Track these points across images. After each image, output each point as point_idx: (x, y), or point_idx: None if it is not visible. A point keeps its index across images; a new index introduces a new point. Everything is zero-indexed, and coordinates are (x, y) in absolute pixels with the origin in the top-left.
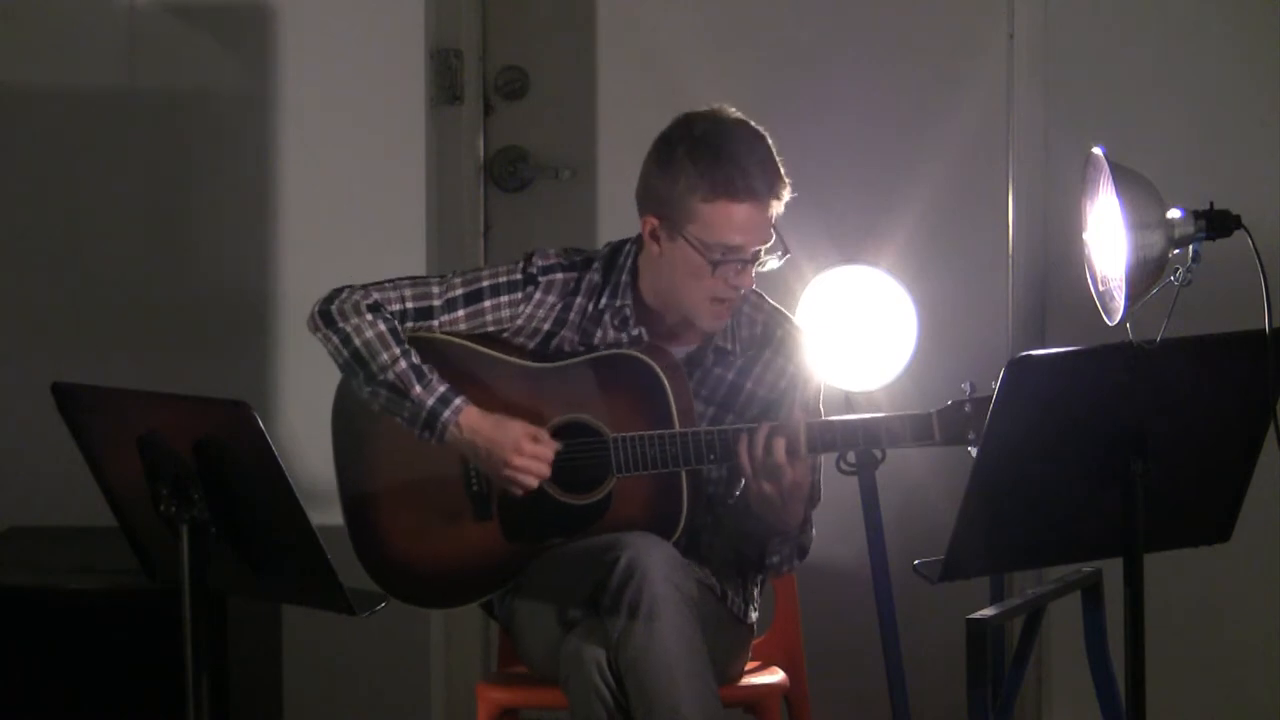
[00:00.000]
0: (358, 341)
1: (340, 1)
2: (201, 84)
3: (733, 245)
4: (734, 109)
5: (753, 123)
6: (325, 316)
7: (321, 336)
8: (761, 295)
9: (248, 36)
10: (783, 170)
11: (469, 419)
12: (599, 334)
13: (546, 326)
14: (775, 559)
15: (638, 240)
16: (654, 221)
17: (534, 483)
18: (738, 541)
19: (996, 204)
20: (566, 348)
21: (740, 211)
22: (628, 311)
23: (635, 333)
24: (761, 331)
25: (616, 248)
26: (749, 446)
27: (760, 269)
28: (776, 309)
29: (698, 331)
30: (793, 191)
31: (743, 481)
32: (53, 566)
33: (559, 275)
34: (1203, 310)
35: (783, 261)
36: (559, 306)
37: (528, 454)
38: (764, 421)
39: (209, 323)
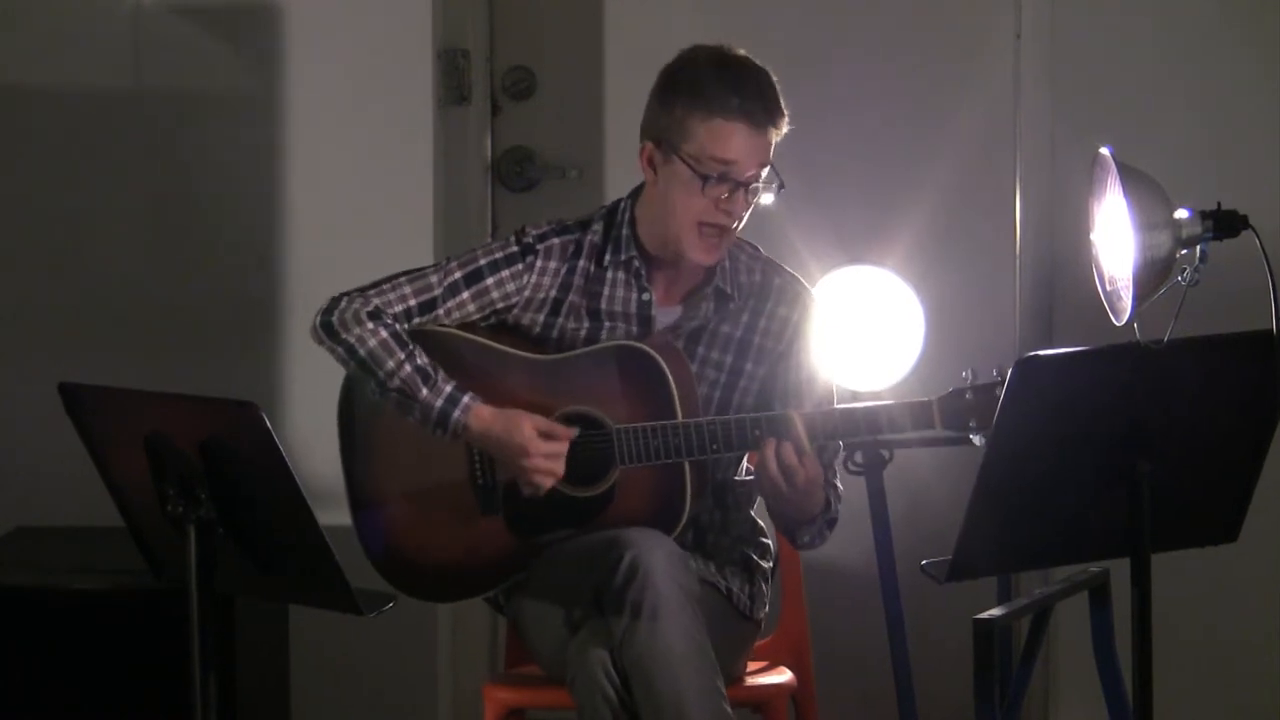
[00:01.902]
0: (362, 352)
1: (347, 1)
2: (207, 84)
3: (725, 160)
4: (740, 48)
5: (757, 61)
6: (327, 328)
7: (327, 348)
8: (757, 247)
9: (254, 36)
10: (783, 103)
11: (480, 418)
12: (606, 292)
13: (554, 294)
14: (806, 539)
15: (633, 193)
16: (650, 146)
17: (548, 483)
18: (776, 519)
19: (1003, 204)
20: (574, 317)
21: (736, 131)
22: (636, 263)
23: (645, 296)
24: (761, 279)
25: (612, 207)
26: (759, 461)
27: (754, 200)
28: (772, 260)
29: (697, 277)
30: (790, 123)
31: (745, 464)
32: (58, 566)
33: (556, 240)
34: (1210, 311)
35: (777, 195)
36: (563, 270)
37: (537, 454)
38: (764, 414)
39: (216, 323)
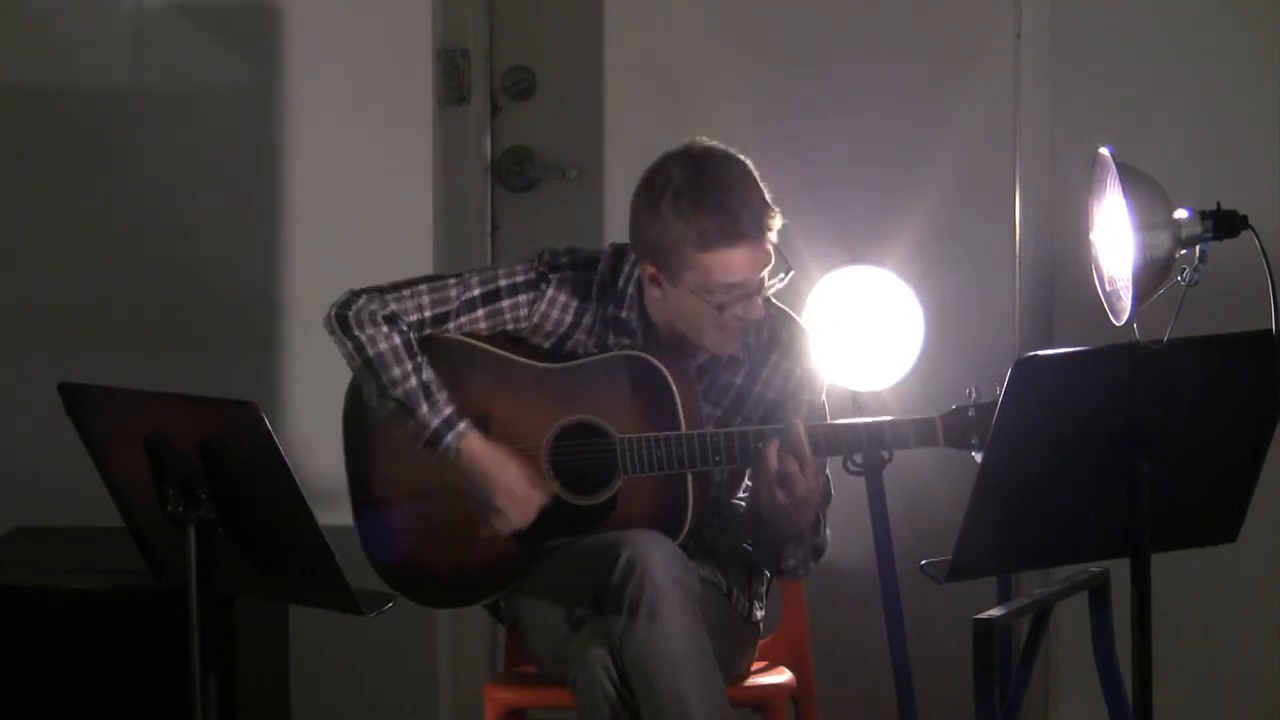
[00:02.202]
0: (371, 353)
1: (347, 2)
2: (207, 84)
3: (734, 284)
4: (708, 141)
5: (730, 152)
6: (342, 321)
7: (336, 340)
8: (768, 298)
9: (254, 37)
10: (769, 198)
11: (471, 446)
12: (611, 339)
13: (562, 330)
14: (791, 563)
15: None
16: (652, 270)
17: (509, 530)
18: (754, 548)
19: (1003, 204)
20: (580, 351)
21: (736, 255)
22: (634, 324)
23: (650, 344)
24: (769, 335)
25: (620, 253)
26: (757, 470)
27: (765, 293)
28: (782, 310)
29: None
30: (783, 218)
31: (746, 483)
32: (58, 566)
33: (570, 273)
34: (1209, 311)
35: (786, 280)
36: (573, 308)
37: (517, 498)
38: (768, 426)
39: (216, 323)
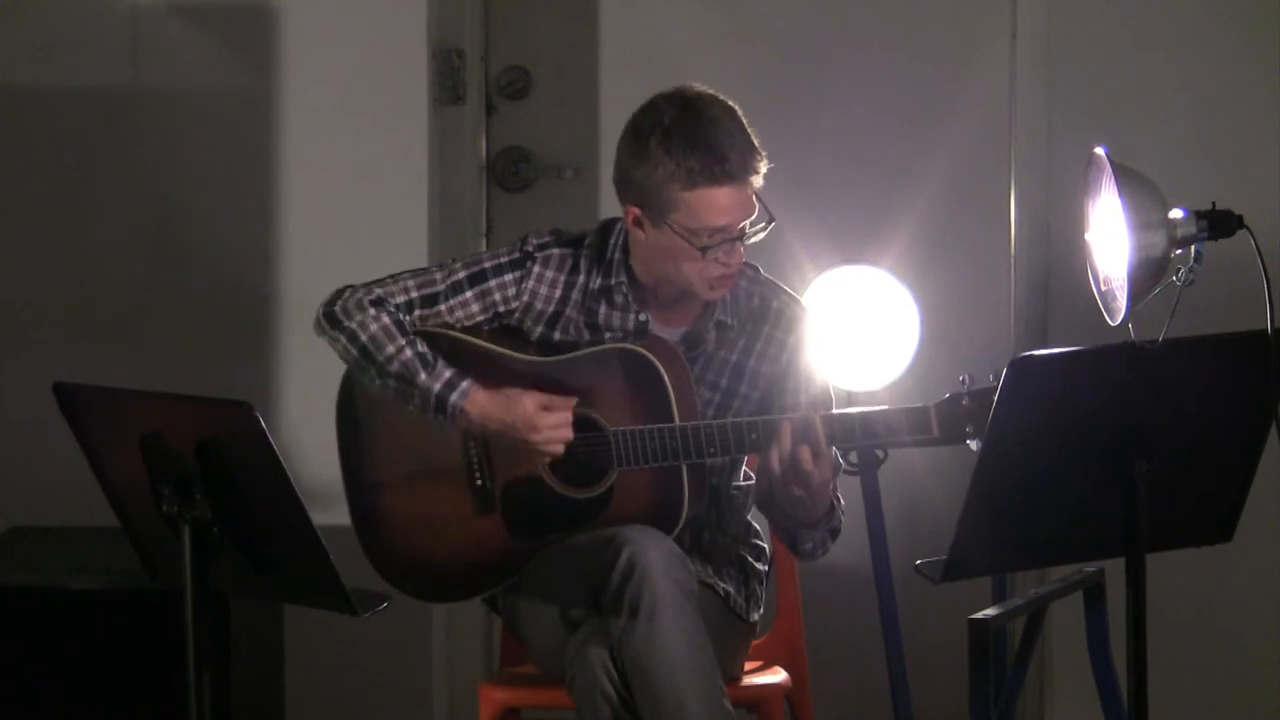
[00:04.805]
0: (364, 337)
1: (342, 2)
2: (204, 84)
3: (718, 227)
4: (699, 85)
5: (721, 97)
6: (330, 318)
7: (329, 338)
8: (757, 269)
9: (250, 36)
10: (757, 143)
11: (477, 403)
12: (602, 311)
13: (551, 308)
14: (808, 545)
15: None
16: (636, 211)
17: (559, 450)
18: (770, 521)
19: (999, 204)
20: (572, 330)
21: (722, 195)
22: (625, 289)
23: (642, 317)
24: (759, 304)
25: (607, 225)
26: (777, 453)
27: (747, 242)
28: (771, 281)
29: (696, 304)
30: (769, 161)
31: (745, 470)
32: (55, 566)
33: (555, 250)
34: (1205, 310)
35: (768, 230)
36: (561, 284)
37: (544, 427)
38: (762, 418)
39: (212, 323)
